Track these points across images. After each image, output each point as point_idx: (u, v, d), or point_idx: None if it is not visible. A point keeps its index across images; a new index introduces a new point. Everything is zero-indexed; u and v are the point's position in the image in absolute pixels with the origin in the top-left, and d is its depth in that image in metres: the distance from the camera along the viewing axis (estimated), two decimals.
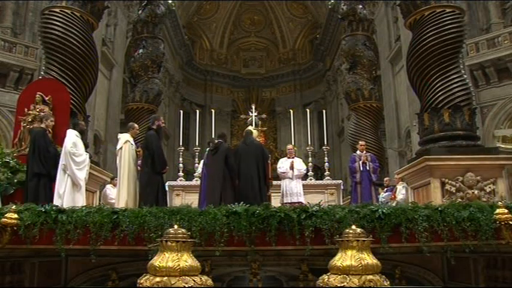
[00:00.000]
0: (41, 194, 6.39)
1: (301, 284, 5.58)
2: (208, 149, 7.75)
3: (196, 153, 12.52)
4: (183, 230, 3.50)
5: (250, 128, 8.70)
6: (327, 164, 12.31)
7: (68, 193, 6.48)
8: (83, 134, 7.42)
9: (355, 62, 13.91)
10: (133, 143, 7.29)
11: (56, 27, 8.23)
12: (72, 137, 6.77)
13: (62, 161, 6.63)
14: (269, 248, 4.87)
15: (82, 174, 6.71)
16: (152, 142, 7.00)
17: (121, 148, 7.13)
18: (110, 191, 10.07)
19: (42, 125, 7.01)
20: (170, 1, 18.77)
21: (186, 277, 3.18)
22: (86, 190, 7.96)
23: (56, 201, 6.26)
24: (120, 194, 7.01)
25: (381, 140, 14.59)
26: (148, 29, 14.21)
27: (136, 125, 7.80)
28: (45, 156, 6.59)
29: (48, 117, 7.11)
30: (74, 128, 7.07)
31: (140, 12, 14.48)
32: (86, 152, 7.08)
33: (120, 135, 7.40)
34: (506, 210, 4.72)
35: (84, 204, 6.63)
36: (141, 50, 13.99)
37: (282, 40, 31.27)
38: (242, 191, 7.14)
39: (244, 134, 8.07)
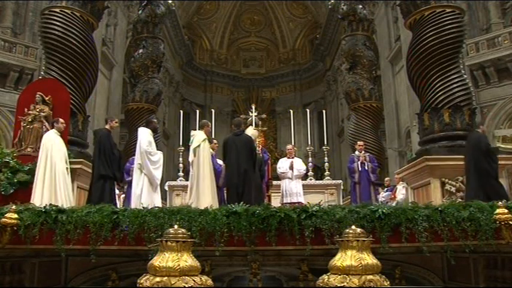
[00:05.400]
0: (106, 196, 6.42)
1: (301, 284, 5.59)
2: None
3: None
4: (183, 230, 3.49)
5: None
6: (326, 164, 12.31)
7: (145, 193, 6.46)
8: (155, 133, 7.34)
9: (355, 62, 13.92)
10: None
11: (56, 27, 8.24)
12: (147, 136, 6.70)
13: (137, 160, 6.61)
14: (269, 248, 4.87)
15: (158, 174, 6.68)
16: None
17: (198, 146, 6.82)
18: None
19: (107, 126, 7.02)
20: (170, 1, 18.74)
21: (186, 277, 3.18)
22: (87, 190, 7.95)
23: (135, 202, 6.25)
24: (203, 194, 6.61)
25: (380, 140, 14.59)
26: (148, 29, 14.22)
27: (209, 123, 7.49)
28: (110, 158, 6.60)
29: (113, 118, 7.20)
30: (147, 126, 6.96)
31: (140, 12, 14.49)
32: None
33: (193, 132, 7.08)
34: (506, 210, 4.72)
35: (160, 204, 6.58)
36: (141, 50, 14.00)
37: (282, 40, 31.25)
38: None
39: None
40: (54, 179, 6.31)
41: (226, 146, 6.96)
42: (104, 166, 6.54)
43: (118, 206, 6.58)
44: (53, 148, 6.47)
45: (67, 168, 6.59)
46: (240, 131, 7.10)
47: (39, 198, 6.07)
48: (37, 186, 6.29)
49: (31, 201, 5.90)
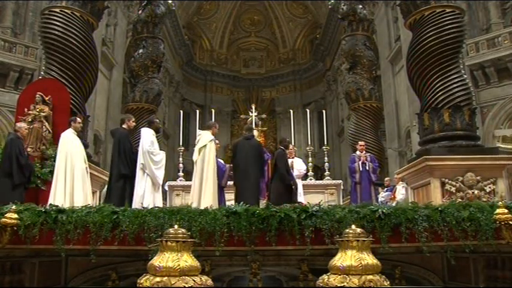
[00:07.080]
0: (127, 195, 6.48)
1: (301, 284, 5.58)
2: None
3: None
4: (183, 230, 3.50)
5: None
6: (327, 164, 12.31)
7: (148, 193, 6.49)
8: (158, 132, 7.39)
9: (355, 62, 13.92)
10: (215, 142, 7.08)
11: (56, 27, 8.24)
12: (149, 136, 6.73)
13: (140, 161, 6.62)
14: (269, 248, 4.87)
15: (161, 173, 6.73)
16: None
17: (205, 146, 6.78)
18: None
19: (124, 126, 7.02)
20: (170, 1, 18.75)
21: (186, 277, 3.18)
22: None
23: (137, 202, 6.26)
24: (205, 194, 6.61)
25: (380, 140, 14.59)
26: (148, 29, 14.22)
27: (217, 124, 7.44)
28: (130, 158, 6.67)
29: (130, 117, 7.19)
30: (149, 126, 7.01)
31: (140, 12, 14.49)
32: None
33: (200, 132, 7.06)
34: (506, 210, 4.71)
35: (161, 203, 6.66)
36: (141, 50, 14.00)
37: (282, 40, 31.26)
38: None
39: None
40: (75, 180, 6.30)
41: (236, 149, 7.19)
42: (124, 166, 6.60)
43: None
44: (72, 148, 6.45)
45: (86, 168, 6.60)
46: (250, 135, 7.42)
47: (61, 199, 6.03)
48: (58, 188, 6.22)
49: (49, 202, 5.78)
